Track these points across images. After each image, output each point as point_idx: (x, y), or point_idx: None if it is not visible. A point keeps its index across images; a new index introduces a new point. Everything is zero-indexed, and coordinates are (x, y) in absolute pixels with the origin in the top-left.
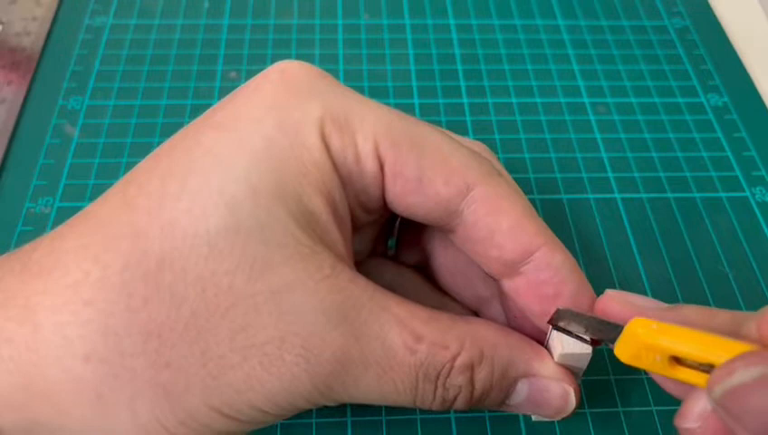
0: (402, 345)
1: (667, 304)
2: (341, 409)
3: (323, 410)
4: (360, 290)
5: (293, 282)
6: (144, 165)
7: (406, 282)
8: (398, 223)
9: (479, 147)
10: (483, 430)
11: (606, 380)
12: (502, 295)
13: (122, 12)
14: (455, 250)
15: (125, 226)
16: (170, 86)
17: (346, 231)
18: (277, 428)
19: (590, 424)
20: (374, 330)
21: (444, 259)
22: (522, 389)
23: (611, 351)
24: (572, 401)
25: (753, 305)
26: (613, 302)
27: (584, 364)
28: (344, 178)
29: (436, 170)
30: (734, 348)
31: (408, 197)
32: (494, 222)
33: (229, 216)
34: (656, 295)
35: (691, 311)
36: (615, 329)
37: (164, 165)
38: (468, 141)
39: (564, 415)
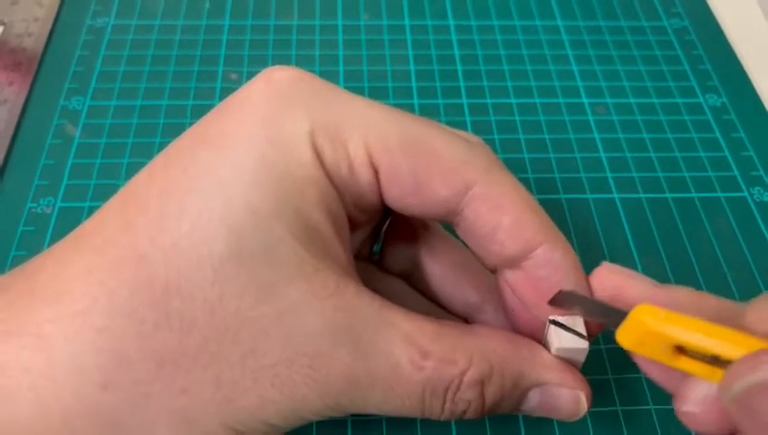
0: (408, 362)
1: (658, 282)
2: None
3: None
4: (366, 306)
5: (299, 302)
6: (139, 181)
7: (394, 289)
8: (384, 229)
9: (476, 140)
10: (482, 428)
11: (605, 379)
12: (498, 286)
13: (123, 13)
14: (443, 255)
15: (127, 249)
16: (171, 87)
17: (346, 241)
18: None
19: (590, 424)
20: (380, 347)
21: (432, 265)
22: (533, 397)
23: (610, 350)
24: (584, 405)
25: None
26: (609, 274)
27: (581, 358)
28: (340, 189)
29: (433, 171)
30: (743, 341)
31: (406, 199)
32: (495, 220)
33: (232, 239)
34: None
35: (682, 292)
36: (618, 314)
37: (160, 183)
38: (465, 135)
39: (577, 418)
